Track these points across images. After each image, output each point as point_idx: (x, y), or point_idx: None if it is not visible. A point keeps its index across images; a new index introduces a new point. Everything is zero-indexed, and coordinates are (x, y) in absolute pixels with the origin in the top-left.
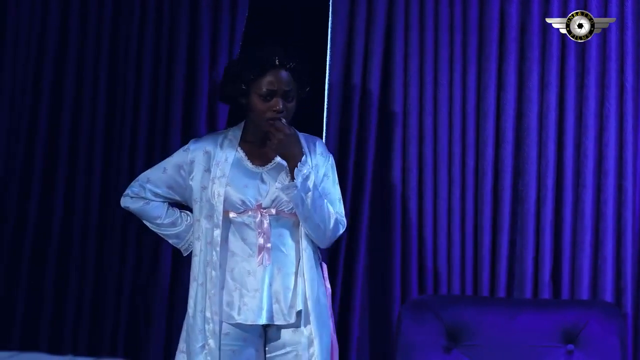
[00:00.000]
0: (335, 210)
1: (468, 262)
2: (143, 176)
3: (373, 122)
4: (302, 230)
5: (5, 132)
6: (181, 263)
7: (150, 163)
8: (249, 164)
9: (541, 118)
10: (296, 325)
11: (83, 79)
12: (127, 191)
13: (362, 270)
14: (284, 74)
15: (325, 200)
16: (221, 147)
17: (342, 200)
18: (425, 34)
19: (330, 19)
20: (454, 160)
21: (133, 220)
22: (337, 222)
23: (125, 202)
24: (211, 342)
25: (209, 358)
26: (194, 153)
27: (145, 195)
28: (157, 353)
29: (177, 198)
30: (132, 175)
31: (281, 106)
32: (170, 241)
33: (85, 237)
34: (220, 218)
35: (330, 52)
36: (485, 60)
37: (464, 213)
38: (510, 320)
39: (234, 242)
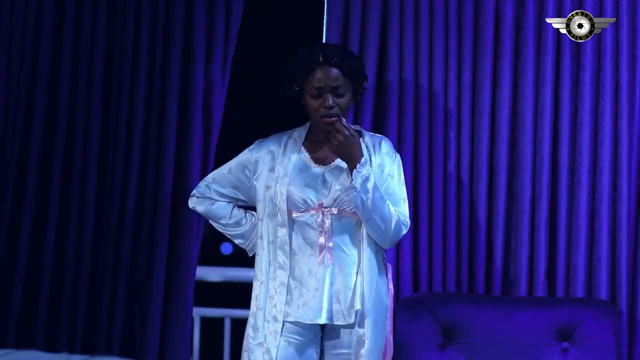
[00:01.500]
0: (399, 210)
1: (463, 260)
2: (209, 176)
3: (367, 119)
4: (364, 230)
5: (1, 132)
6: (176, 261)
7: (145, 161)
8: (311, 164)
9: (536, 116)
10: (353, 326)
11: (78, 77)
12: (194, 192)
13: None
14: (330, 69)
15: (388, 202)
16: (285, 146)
17: (407, 201)
18: (420, 32)
19: (325, 16)
20: (449, 158)
21: (128, 220)
22: (399, 223)
23: (192, 202)
24: (269, 340)
25: (266, 356)
26: (259, 153)
27: (210, 195)
28: (152, 351)
29: (243, 198)
30: (128, 174)
31: (330, 102)
32: (235, 241)
33: (81, 236)
34: (285, 217)
35: None
36: (480, 58)
37: (460, 211)
38: (505, 318)
39: (296, 241)
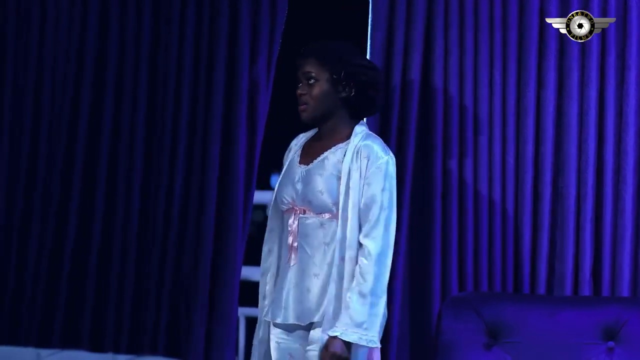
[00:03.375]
0: (365, 247)
1: (508, 260)
2: None
3: (413, 119)
4: (339, 234)
5: (47, 134)
6: (222, 261)
7: (190, 162)
8: (297, 163)
9: (581, 115)
10: (316, 326)
11: (123, 78)
12: None
13: (402, 269)
14: (305, 59)
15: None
16: (297, 144)
17: (380, 223)
18: (465, 31)
19: (370, 16)
20: (494, 158)
21: (173, 220)
22: (374, 291)
23: None
24: (265, 336)
25: (261, 351)
26: (288, 151)
27: None
28: (197, 351)
29: None
30: (173, 175)
31: (301, 90)
32: None
33: (126, 236)
34: (276, 214)
35: (370, 50)
36: (525, 58)
37: (505, 211)
38: (550, 318)
39: (283, 240)
